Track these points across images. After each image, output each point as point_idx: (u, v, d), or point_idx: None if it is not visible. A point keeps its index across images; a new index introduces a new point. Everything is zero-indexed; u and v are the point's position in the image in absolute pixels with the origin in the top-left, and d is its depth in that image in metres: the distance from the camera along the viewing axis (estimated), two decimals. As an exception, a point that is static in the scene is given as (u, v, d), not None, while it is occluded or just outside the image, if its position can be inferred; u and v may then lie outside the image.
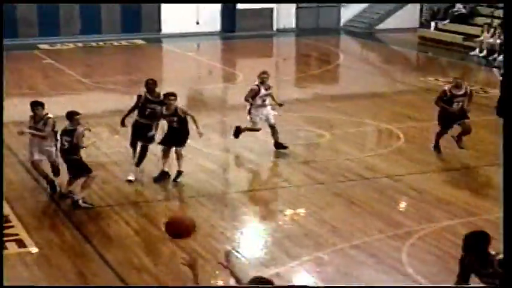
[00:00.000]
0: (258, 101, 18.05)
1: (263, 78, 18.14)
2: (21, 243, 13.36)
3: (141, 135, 16.37)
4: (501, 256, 9.04)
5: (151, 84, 16.45)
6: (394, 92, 25.99)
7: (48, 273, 12.31)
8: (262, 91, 18.01)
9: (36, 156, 15.30)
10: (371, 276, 12.35)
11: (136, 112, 16.53)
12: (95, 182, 15.40)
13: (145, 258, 12.89)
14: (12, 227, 13.97)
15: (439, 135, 18.44)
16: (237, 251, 13.27)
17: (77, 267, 12.53)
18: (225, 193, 16.18)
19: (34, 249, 13.16)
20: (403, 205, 15.70)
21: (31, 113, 15.30)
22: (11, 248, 13.13)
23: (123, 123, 16.80)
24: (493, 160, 17.90)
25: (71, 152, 14.67)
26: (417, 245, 13.46)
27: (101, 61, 32.21)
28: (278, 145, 18.30)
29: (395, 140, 19.76)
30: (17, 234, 13.64)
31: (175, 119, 15.93)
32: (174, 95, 16.01)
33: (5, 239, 13.33)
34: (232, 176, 17.55)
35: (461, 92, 17.97)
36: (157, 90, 16.50)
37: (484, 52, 31.58)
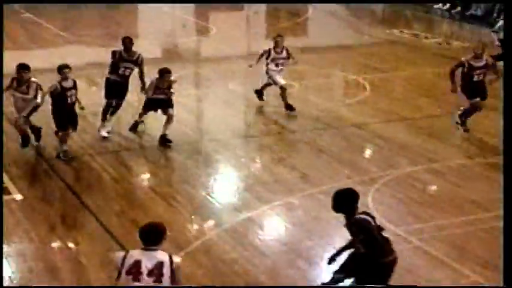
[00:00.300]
0: (272, 66, 17.66)
1: (276, 41, 17.73)
2: (6, 191, 13.43)
3: (115, 93, 16.20)
4: (361, 216, 8.97)
5: (128, 43, 16.10)
6: (361, 44, 26.12)
7: (32, 219, 12.40)
8: (273, 54, 17.57)
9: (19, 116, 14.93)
10: (339, 219, 12.49)
11: (108, 69, 16.32)
12: (82, 129, 15.50)
13: (124, 204, 13.03)
14: (-4, 175, 14.07)
15: (467, 113, 16.45)
16: (211, 197, 13.46)
17: (59, 213, 12.63)
18: (199, 141, 16.30)
19: (18, 196, 13.23)
20: (368, 152, 15.92)
21: (14, 76, 14.79)
22: (-4, 195, 13.25)
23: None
24: (456, 109, 18.12)
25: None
26: (382, 190, 13.67)
27: (79, 15, 31.97)
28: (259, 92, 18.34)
29: (361, 90, 19.93)
30: (1, 182, 13.70)
31: (169, 91, 15.66)
32: (169, 71, 15.61)
33: (-11, 187, 13.46)
34: (206, 125, 17.68)
35: (482, 64, 16.13)
36: (133, 49, 16.19)
37: (448, 5, 31.69)
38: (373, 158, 15.57)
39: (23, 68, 14.70)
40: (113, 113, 16.39)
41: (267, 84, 18.11)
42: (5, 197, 13.14)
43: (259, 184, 13.90)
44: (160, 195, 13.40)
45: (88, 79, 20.29)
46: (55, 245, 11.60)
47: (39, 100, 14.83)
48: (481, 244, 11.60)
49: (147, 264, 7.55)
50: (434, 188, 13.93)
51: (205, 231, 12.10)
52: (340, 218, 12.40)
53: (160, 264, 7.57)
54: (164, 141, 15.55)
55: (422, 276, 10.62)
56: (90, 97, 18.67)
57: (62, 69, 14.69)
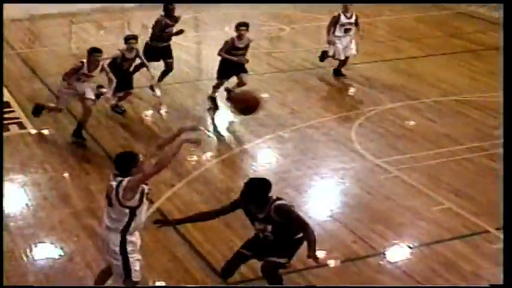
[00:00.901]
0: (339, 32, 15.98)
1: (346, 6, 16.01)
2: (21, 126, 13.43)
3: (161, 55, 14.91)
4: (279, 202, 7.85)
5: (171, 10, 14.70)
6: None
7: (45, 151, 12.44)
8: (343, 19, 16.00)
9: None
10: (325, 151, 12.61)
11: (150, 36, 14.87)
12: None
13: (129, 137, 13.03)
14: (13, 111, 14.02)
15: None
16: (208, 130, 13.49)
17: (70, 145, 12.66)
18: (198, 80, 16.26)
19: (33, 131, 13.25)
20: (352, 90, 15.88)
21: (82, 60, 12.67)
22: (13, 130, 13.24)
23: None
24: (433, 52, 18.18)
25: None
26: (364, 125, 13.71)
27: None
28: (337, 72, 16.39)
29: (347, 33, 19.82)
30: (17, 118, 13.70)
31: (246, 51, 13.96)
32: (246, 24, 13.80)
33: (7, 122, 13.40)
34: (204, 65, 17.60)
35: None
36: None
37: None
38: (357, 96, 15.57)
39: (96, 51, 12.60)
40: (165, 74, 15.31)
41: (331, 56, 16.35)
42: (21, 131, 13.19)
43: (252, 119, 13.86)
44: (162, 130, 13.42)
45: (96, 23, 20.23)
46: (67, 174, 11.67)
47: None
48: (453, 174, 11.69)
49: (108, 190, 7.45)
50: (411, 123, 13.95)
51: (203, 162, 12.16)
52: (326, 150, 12.56)
53: (110, 192, 7.37)
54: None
55: (400, 203, 10.72)
56: (98, 39, 18.70)
57: (129, 40, 13.69)
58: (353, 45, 16.15)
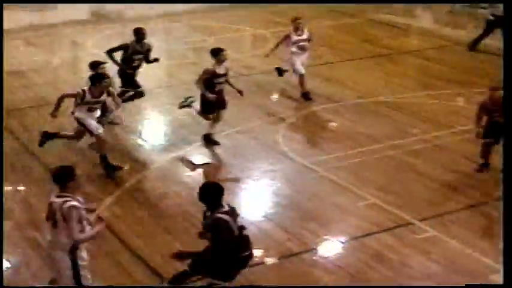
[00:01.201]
0: (293, 48, 15.31)
1: (296, 24, 15.37)
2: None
3: (133, 83, 14.34)
4: (220, 216, 7.73)
5: (141, 34, 13.97)
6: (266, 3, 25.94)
7: None
8: (294, 37, 15.24)
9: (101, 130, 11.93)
10: (254, 154, 12.66)
11: (119, 61, 14.12)
12: (23, 85, 15.15)
13: (63, 150, 12.79)
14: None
15: (485, 150, 11.72)
16: (142, 139, 13.40)
17: (8, 161, 12.35)
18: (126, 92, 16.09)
19: None
20: (276, 96, 15.97)
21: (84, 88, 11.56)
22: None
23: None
24: (349, 57, 18.40)
25: None
26: (290, 128, 13.83)
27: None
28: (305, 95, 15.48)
29: (267, 42, 19.90)
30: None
31: (227, 77, 12.97)
32: (224, 50, 12.86)
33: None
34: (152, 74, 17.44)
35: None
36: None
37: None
38: (281, 101, 15.64)
39: (102, 77, 11.68)
40: (132, 99, 14.63)
41: (285, 70, 15.92)
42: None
43: (183, 127, 13.89)
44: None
45: (25, 40, 19.90)
46: (7, 188, 11.40)
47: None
48: (375, 171, 11.89)
49: (51, 209, 7.36)
50: (334, 124, 14.13)
51: (138, 170, 12.07)
52: (256, 153, 12.61)
53: (54, 211, 7.30)
54: (210, 141, 13.02)
55: (328, 201, 10.86)
56: (27, 55, 18.43)
57: (98, 65, 12.64)
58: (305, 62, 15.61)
